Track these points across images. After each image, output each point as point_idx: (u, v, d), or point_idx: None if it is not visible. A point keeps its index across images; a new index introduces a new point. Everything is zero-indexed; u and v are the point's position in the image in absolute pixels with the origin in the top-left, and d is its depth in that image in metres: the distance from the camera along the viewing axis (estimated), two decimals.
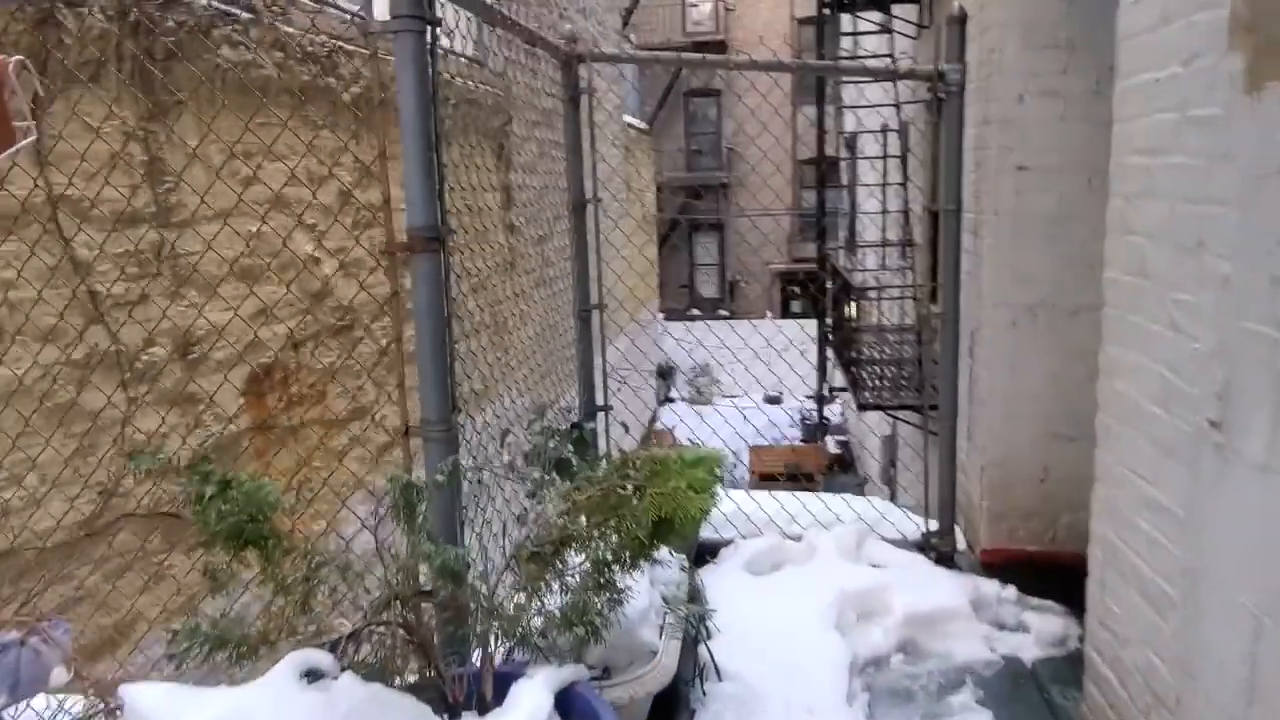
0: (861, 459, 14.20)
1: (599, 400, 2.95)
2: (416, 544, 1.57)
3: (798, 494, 3.15)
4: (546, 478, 2.57)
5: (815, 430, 16.29)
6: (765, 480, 14.67)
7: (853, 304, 6.86)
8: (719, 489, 1.94)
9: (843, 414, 15.94)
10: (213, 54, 3.82)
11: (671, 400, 19.48)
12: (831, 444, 15.32)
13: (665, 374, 19.56)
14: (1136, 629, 1.64)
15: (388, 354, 5.51)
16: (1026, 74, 2.64)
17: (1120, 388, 1.70)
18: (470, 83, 7.11)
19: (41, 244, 3.12)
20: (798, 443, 16.25)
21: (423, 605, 1.68)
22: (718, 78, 21.49)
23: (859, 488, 13.50)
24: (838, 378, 10.49)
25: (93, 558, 3.27)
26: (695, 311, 21.46)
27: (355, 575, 1.64)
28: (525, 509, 2.28)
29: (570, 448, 2.50)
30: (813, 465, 14.15)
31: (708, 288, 22.45)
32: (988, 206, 2.80)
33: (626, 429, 3.07)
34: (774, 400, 19.22)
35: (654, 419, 18.10)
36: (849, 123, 10.01)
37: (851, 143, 11.81)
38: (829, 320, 8.46)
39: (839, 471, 14.46)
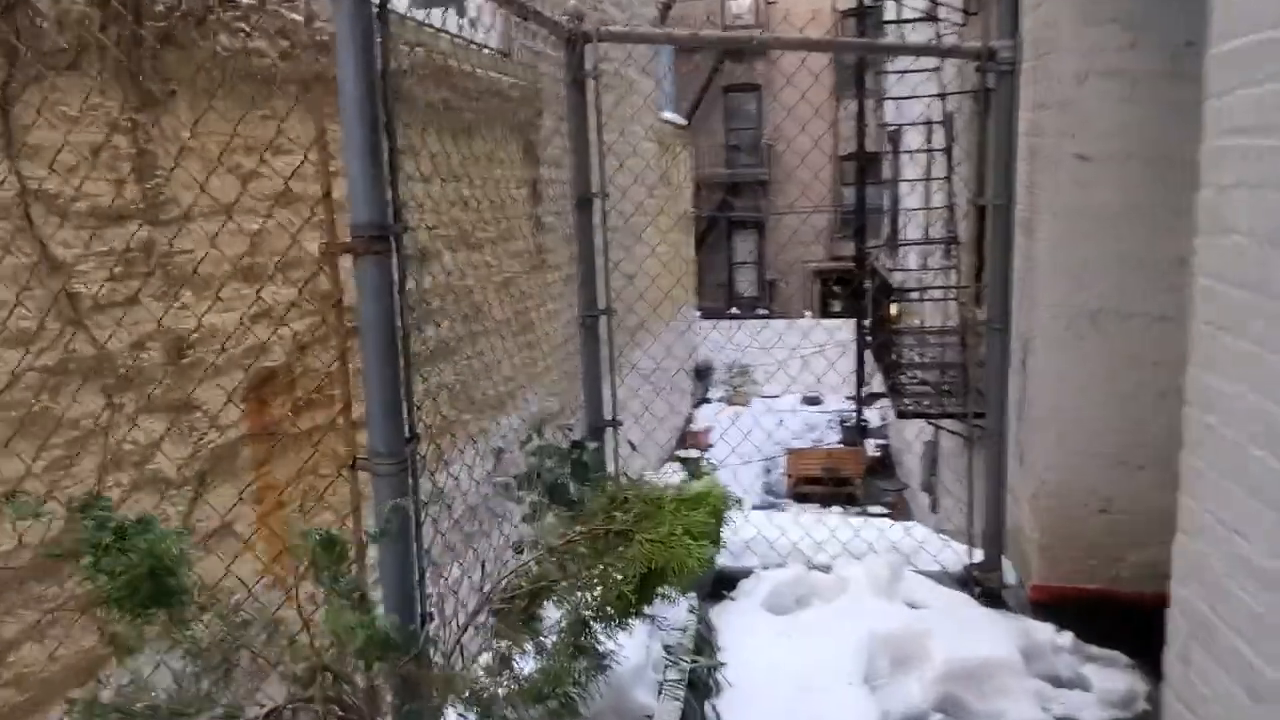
0: (902, 464, 13.78)
1: (607, 415, 2.67)
2: (336, 612, 1.31)
3: (825, 519, 2.86)
4: (542, 502, 2.33)
5: (854, 433, 15.90)
6: (802, 484, 14.31)
7: (893, 306, 6.52)
8: (729, 522, 1.67)
9: (883, 417, 15.52)
10: (210, 40, 3.63)
11: (708, 401, 19.17)
12: (871, 447, 14.91)
13: (702, 374, 19.25)
14: None
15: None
16: (1087, 51, 2.32)
17: (1213, 423, 1.40)
18: (496, 74, 6.89)
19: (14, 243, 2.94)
20: (836, 445, 15.85)
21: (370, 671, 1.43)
22: (757, 73, 21.12)
23: (899, 494, 13.08)
24: (877, 380, 10.13)
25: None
26: (734, 310, 21.11)
27: (287, 638, 1.39)
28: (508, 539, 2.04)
29: (568, 470, 2.25)
30: (851, 470, 13.76)
31: (746, 286, 22.08)
32: (1043, 201, 2.49)
33: (634, 447, 2.79)
34: (812, 401, 18.81)
35: (689, 420, 17.82)
36: (890, 115, 9.62)
37: (894, 136, 11.41)
38: (868, 322, 8.12)
39: (878, 476, 14.05)
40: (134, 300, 3.27)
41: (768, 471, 15.06)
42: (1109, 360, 2.41)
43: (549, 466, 2.22)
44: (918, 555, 2.67)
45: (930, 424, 5.85)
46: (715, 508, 1.58)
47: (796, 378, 18.33)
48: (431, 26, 5.52)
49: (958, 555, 2.69)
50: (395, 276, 1.59)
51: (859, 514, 12.76)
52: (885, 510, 12.45)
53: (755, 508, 13.24)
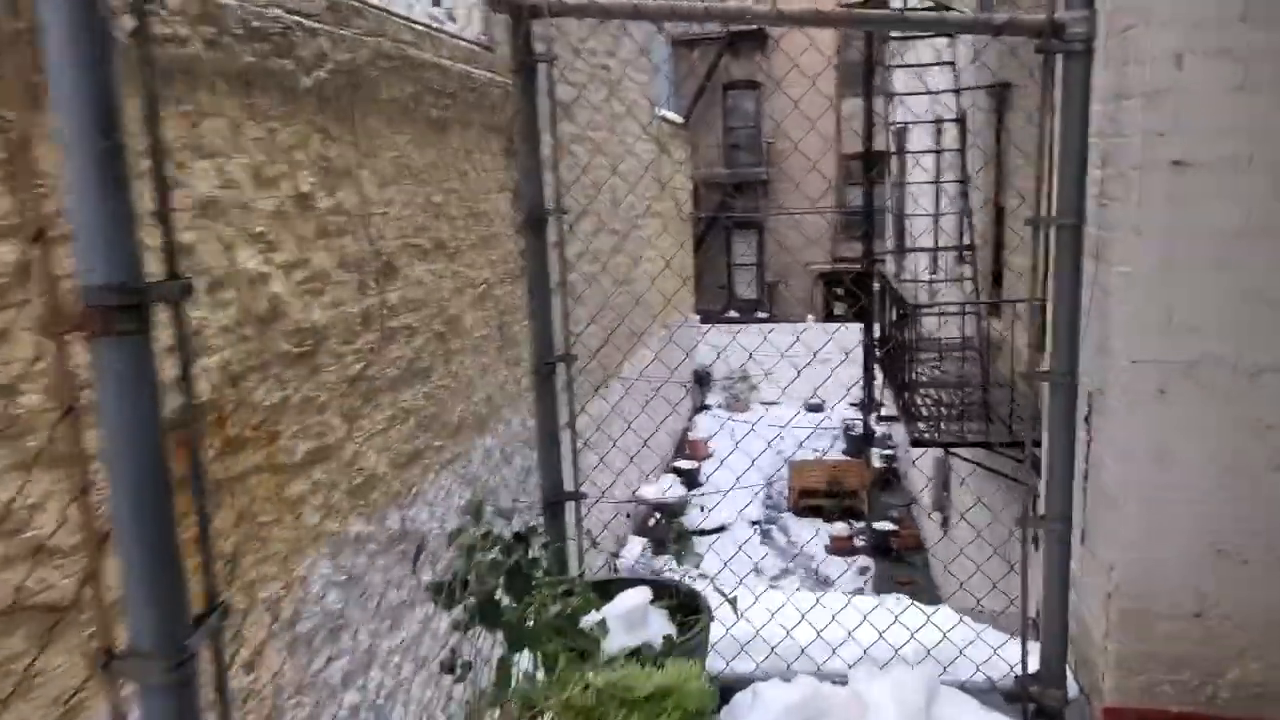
0: (909, 476, 13.24)
1: (567, 485, 2.14)
2: None
3: (840, 610, 2.32)
4: (472, 619, 1.79)
5: (859, 442, 15.37)
6: (805, 497, 13.76)
7: (899, 316, 5.98)
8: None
9: (889, 425, 14.98)
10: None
11: (707, 408, 18.65)
12: (877, 457, 14.39)
13: (701, 380, 18.74)
14: None
15: (363, 380, 4.78)
16: (1186, 25, 1.78)
17: None
18: (471, 68, 6.35)
19: None
20: (841, 458, 15.31)
21: None
22: (757, 70, 20.56)
23: (906, 509, 12.56)
24: (886, 393, 9.58)
25: None
26: (733, 314, 20.58)
27: None
28: None
29: (503, 580, 1.71)
30: (856, 483, 13.23)
31: (746, 289, 21.54)
32: (1121, 219, 1.95)
33: (594, 543, 2.25)
34: (815, 408, 18.28)
35: (687, 429, 17.29)
36: (899, 114, 9.06)
37: (901, 136, 10.88)
38: (875, 335, 7.58)
39: (884, 488, 13.52)
40: None
41: (769, 483, 14.55)
42: (1209, 423, 1.88)
43: (483, 570, 1.69)
44: (958, 665, 2.14)
45: (948, 453, 5.32)
46: (687, 708, 1.05)
47: (800, 385, 17.81)
48: (390, 12, 4.97)
49: (1006, 664, 2.16)
50: (149, 366, 1.02)
51: (863, 527, 12.23)
52: (892, 525, 11.93)
53: (755, 523, 12.70)
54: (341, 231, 4.51)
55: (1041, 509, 2.06)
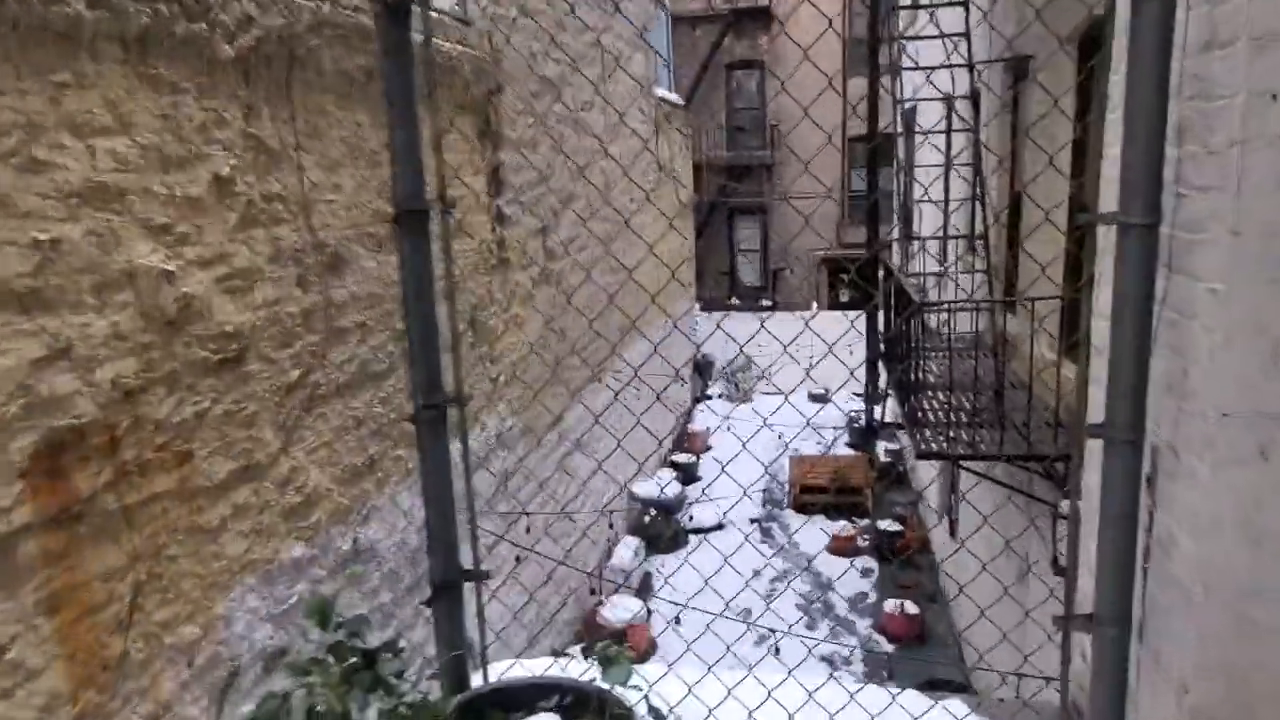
0: (916, 470, 12.72)
1: (465, 562, 1.64)
2: None
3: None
4: None
5: (864, 435, 14.85)
6: (806, 493, 13.24)
7: (902, 311, 5.44)
8: None
9: (895, 416, 14.42)
10: None
11: (709, 398, 18.13)
12: (882, 452, 13.86)
13: (702, 369, 18.22)
14: None
15: (302, 387, 4.28)
16: None
17: None
18: (440, 40, 5.82)
19: None
20: (844, 454, 14.77)
21: None
22: (760, 50, 19.91)
23: (911, 507, 12.06)
24: (891, 393, 9.05)
25: None
26: (735, 301, 20.04)
27: None
28: None
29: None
30: (859, 479, 12.72)
31: (749, 275, 20.98)
32: (1209, 216, 1.42)
33: (496, 637, 1.73)
34: (820, 399, 17.75)
35: (688, 419, 16.79)
36: (907, 92, 8.46)
37: (910, 116, 10.29)
38: (881, 327, 7.07)
39: (890, 484, 13.01)
40: None
41: (770, 477, 14.03)
42: None
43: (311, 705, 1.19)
44: None
45: (958, 466, 4.81)
46: None
47: (804, 374, 17.28)
48: None
49: None
50: None
51: (866, 526, 11.72)
52: (897, 524, 11.43)
53: (754, 520, 12.21)
54: (276, 220, 4.00)
55: (1087, 603, 1.55)
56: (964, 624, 8.71)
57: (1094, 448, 1.55)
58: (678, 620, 7.78)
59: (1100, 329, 1.62)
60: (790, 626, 9.58)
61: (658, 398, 10.60)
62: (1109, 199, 1.51)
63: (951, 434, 4.96)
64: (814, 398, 17.86)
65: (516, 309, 7.24)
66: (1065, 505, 4.74)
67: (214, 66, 3.58)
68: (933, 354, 5.82)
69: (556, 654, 7.64)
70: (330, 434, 4.45)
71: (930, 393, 5.55)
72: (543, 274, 7.85)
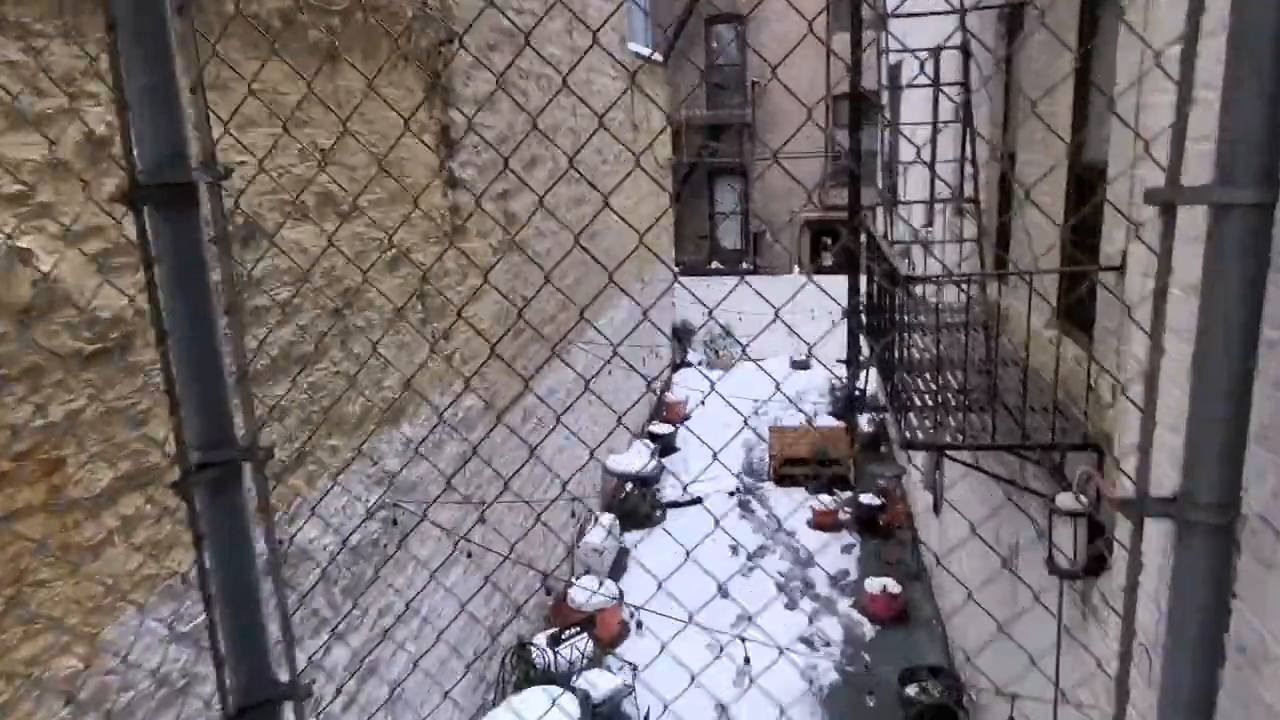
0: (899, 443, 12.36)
1: (278, 672, 1.19)
2: None
3: None
4: None
5: (847, 404, 14.48)
6: (787, 465, 12.85)
7: (885, 285, 4.97)
8: None
9: (865, 376, 13.95)
10: None
11: (688, 364, 17.68)
12: (865, 421, 13.49)
13: (680, 336, 17.76)
14: None
15: None
16: None
17: None
18: None
19: None
20: (826, 425, 14.40)
21: None
22: (741, 2, 19.19)
23: (895, 479, 11.70)
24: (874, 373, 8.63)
25: None
26: (716, 265, 19.53)
27: None
28: None
29: None
30: (842, 450, 12.35)
31: (729, 239, 20.45)
32: None
33: None
34: (801, 366, 17.37)
35: (666, 387, 16.34)
36: (895, 46, 7.92)
37: (896, 72, 9.76)
38: (862, 300, 6.63)
39: (872, 455, 12.66)
40: None
41: (749, 449, 13.65)
42: None
43: None
44: None
45: (945, 456, 4.38)
46: None
47: (784, 341, 16.87)
48: None
49: None
50: None
51: (848, 500, 11.37)
52: (880, 498, 11.07)
53: (732, 493, 11.84)
54: None
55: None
56: (948, 607, 8.40)
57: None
58: (639, 625, 7.39)
59: (1138, 355, 1.16)
60: (765, 606, 9.24)
61: (637, 369, 10.10)
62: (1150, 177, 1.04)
63: (939, 419, 4.52)
64: (795, 364, 17.48)
65: (474, 279, 6.74)
66: (1061, 498, 4.33)
67: (83, 7, 3.05)
68: (918, 328, 5.37)
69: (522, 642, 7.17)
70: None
71: (915, 372, 5.11)
72: (503, 241, 7.34)
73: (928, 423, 4.54)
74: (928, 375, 5.16)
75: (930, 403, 4.83)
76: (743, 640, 5.12)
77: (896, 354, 5.11)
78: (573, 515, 8.89)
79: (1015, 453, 4.47)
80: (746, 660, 5.51)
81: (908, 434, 4.36)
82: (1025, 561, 5.45)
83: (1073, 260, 4.68)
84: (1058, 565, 4.19)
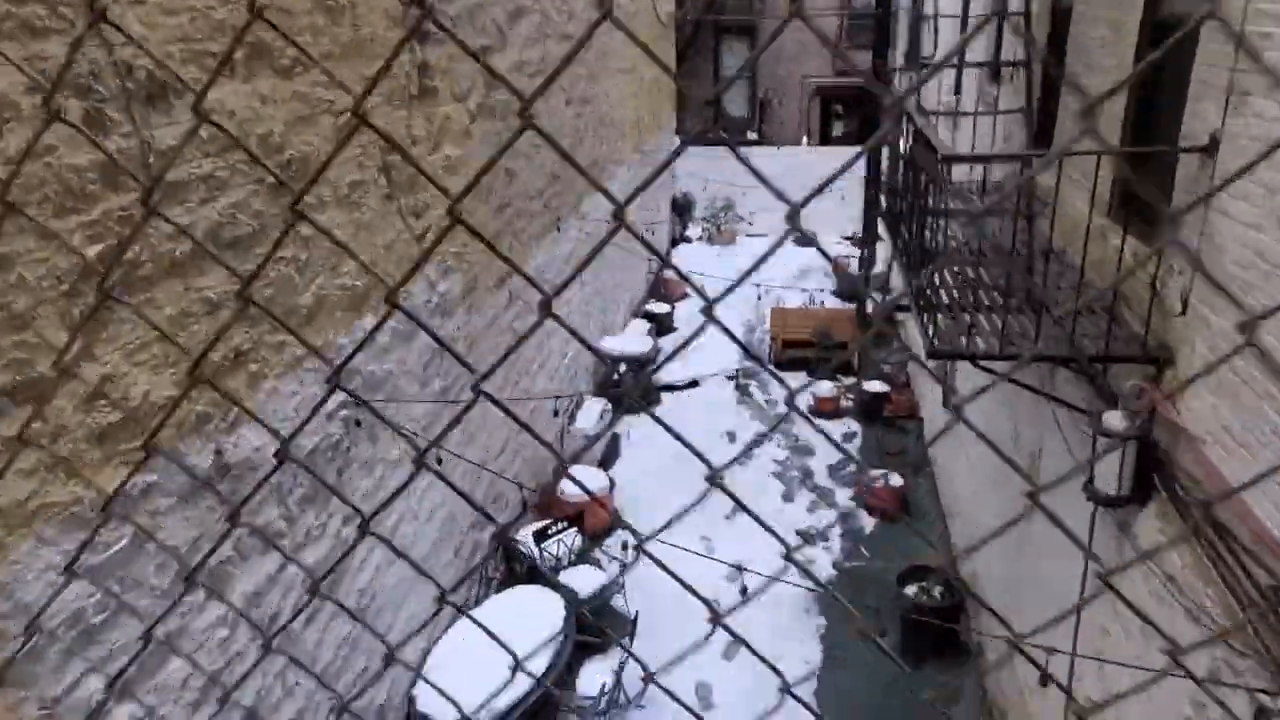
0: (907, 326, 11.82)
1: None
2: None
3: None
4: None
5: (853, 284, 13.85)
6: (790, 348, 12.29)
7: (916, 168, 4.27)
8: None
9: (888, 264, 13.31)
10: None
11: (687, 240, 16.92)
12: (873, 304, 12.89)
13: (681, 209, 16.92)
14: None
15: (112, 267, 3.18)
16: None
17: None
18: None
19: None
20: (830, 296, 13.80)
21: None
22: None
23: (902, 369, 11.22)
24: (894, 263, 8.02)
25: None
26: (721, 135, 18.45)
27: None
28: None
29: None
30: (847, 333, 11.77)
31: (735, 106, 19.29)
32: None
33: None
34: (806, 243, 16.52)
35: (664, 264, 15.55)
36: None
37: None
38: (884, 182, 5.93)
39: (879, 342, 12.12)
40: None
41: (750, 329, 13.11)
42: None
43: None
44: None
45: (979, 366, 3.81)
46: None
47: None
48: None
49: None
50: None
51: (851, 386, 10.93)
52: (885, 385, 10.59)
53: (730, 377, 11.37)
54: (37, 32, 2.78)
55: None
56: (951, 502, 8.06)
57: None
58: (631, 542, 7.01)
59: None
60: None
61: (644, 241, 9.44)
62: None
63: (972, 322, 3.94)
64: (800, 241, 16.69)
65: (448, 149, 6.01)
66: (1109, 417, 3.80)
67: None
68: (945, 214, 4.71)
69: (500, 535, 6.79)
70: (166, 323, 3.39)
71: (942, 265, 4.50)
72: (482, 105, 6.55)
73: (954, 325, 3.97)
74: (955, 269, 4.55)
75: (959, 301, 4.25)
76: (740, 570, 4.71)
77: (923, 242, 4.49)
78: (555, 414, 8.42)
79: (1057, 363, 3.92)
80: (744, 590, 5.13)
81: (935, 342, 3.79)
82: (1046, 469, 4.99)
83: (1139, 138, 3.99)
84: (1099, 492, 3.70)
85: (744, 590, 5.05)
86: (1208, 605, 3.12)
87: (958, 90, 7.41)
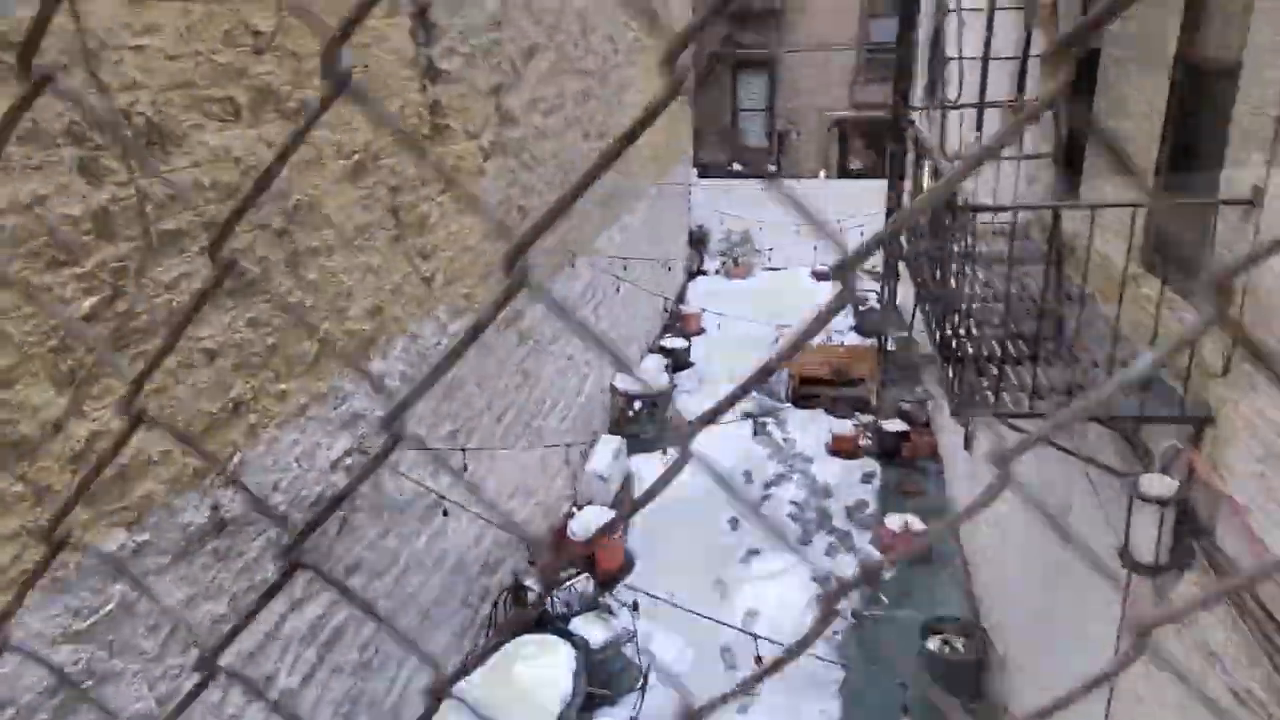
0: (930, 367, 11.61)
1: None
2: None
3: None
4: None
5: (872, 319, 13.66)
6: (805, 385, 12.10)
7: (943, 221, 4.11)
8: None
9: (904, 298, 13.11)
10: None
11: (704, 273, 16.81)
12: (892, 340, 12.69)
13: (697, 242, 16.83)
14: None
15: (105, 319, 3.07)
16: None
17: None
18: None
19: None
20: (850, 334, 13.63)
21: None
22: None
23: (920, 406, 11.01)
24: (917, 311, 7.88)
25: None
26: (737, 167, 18.42)
27: None
28: None
29: None
30: (866, 371, 11.60)
31: (753, 137, 19.25)
32: None
33: None
34: (823, 276, 16.48)
35: (681, 296, 15.48)
36: None
37: None
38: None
39: (898, 379, 11.91)
40: None
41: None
42: None
43: None
44: None
45: (1010, 426, 3.64)
46: None
47: (804, 251, 15.93)
48: None
49: None
50: None
51: (870, 424, 10.71)
52: (902, 423, 10.36)
53: (747, 415, 11.18)
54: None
55: None
56: (974, 549, 7.81)
57: None
58: (635, 605, 6.82)
59: None
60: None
61: (648, 292, 9.30)
62: None
63: (1000, 376, 3.77)
64: (818, 275, 16.59)
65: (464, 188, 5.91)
66: (1147, 480, 3.61)
67: None
68: (971, 259, 4.55)
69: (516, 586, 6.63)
70: (161, 377, 3.28)
71: (965, 315, 4.33)
72: (495, 143, 6.48)
73: (984, 382, 3.80)
74: (975, 319, 4.38)
75: (983, 352, 4.08)
76: (754, 637, 4.53)
77: (945, 289, 4.33)
78: (566, 462, 8.27)
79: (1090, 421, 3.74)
80: (758, 660, 4.94)
81: (961, 394, 3.63)
82: (1075, 529, 4.79)
83: (1174, 183, 3.83)
84: (1135, 558, 3.51)
85: (758, 659, 4.86)
86: (1255, 689, 2.92)
87: (980, 129, 7.28)
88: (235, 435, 3.73)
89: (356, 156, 4.51)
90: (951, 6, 6.80)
